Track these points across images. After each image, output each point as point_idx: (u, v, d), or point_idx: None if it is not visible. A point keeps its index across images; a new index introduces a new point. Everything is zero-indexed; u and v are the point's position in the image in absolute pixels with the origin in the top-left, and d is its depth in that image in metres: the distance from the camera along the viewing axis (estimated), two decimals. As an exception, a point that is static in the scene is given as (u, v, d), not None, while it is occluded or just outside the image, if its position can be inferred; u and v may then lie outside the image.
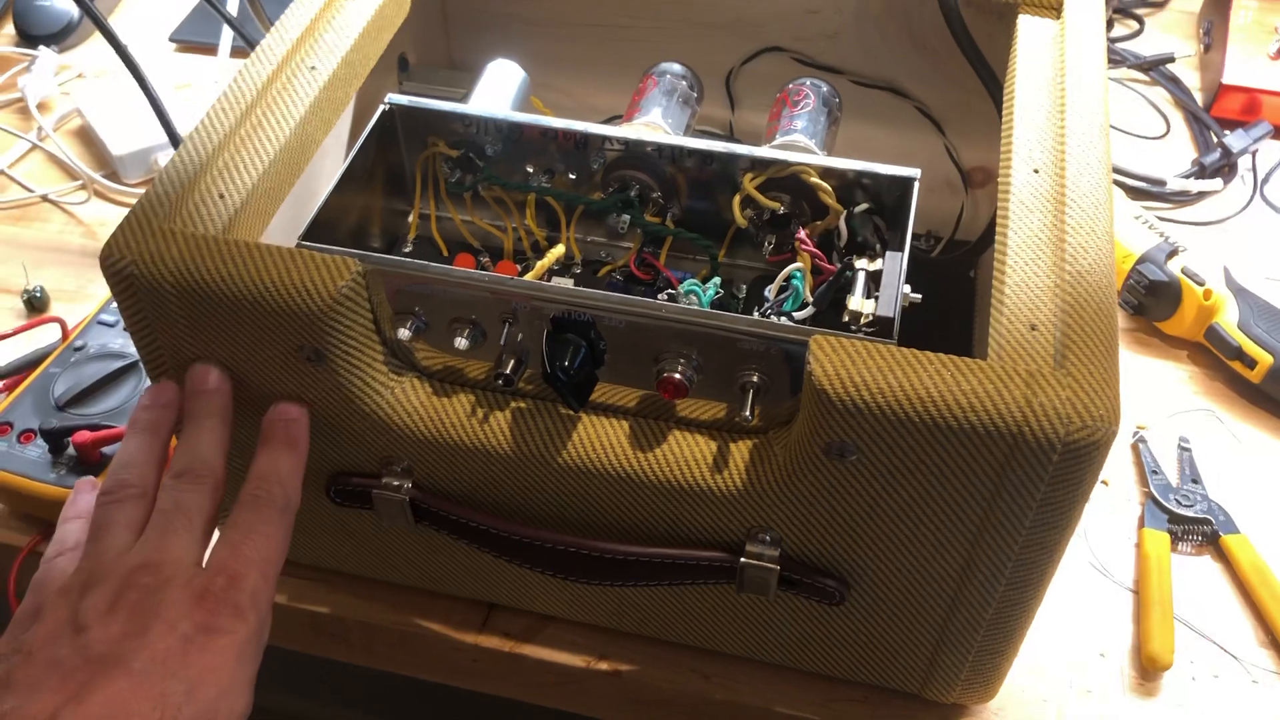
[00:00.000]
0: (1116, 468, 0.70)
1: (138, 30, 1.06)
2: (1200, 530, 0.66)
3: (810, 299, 0.51)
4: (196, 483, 0.47)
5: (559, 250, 0.53)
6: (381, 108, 0.57)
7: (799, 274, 0.51)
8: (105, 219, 0.86)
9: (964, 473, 0.44)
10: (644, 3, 0.73)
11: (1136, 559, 0.65)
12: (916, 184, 0.52)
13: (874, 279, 0.51)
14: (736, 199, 0.54)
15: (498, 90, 0.61)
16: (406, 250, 0.60)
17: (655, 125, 0.57)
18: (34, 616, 0.44)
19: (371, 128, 0.57)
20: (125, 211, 0.52)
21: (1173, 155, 0.93)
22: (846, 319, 0.49)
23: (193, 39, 1.03)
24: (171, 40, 1.04)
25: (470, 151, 0.57)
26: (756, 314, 0.50)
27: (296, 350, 0.48)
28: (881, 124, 0.74)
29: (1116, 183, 0.89)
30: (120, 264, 0.47)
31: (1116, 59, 1.02)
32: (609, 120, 0.69)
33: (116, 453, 0.49)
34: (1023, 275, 0.48)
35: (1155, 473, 0.68)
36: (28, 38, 1.02)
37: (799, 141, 0.56)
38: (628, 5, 0.73)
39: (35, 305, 0.78)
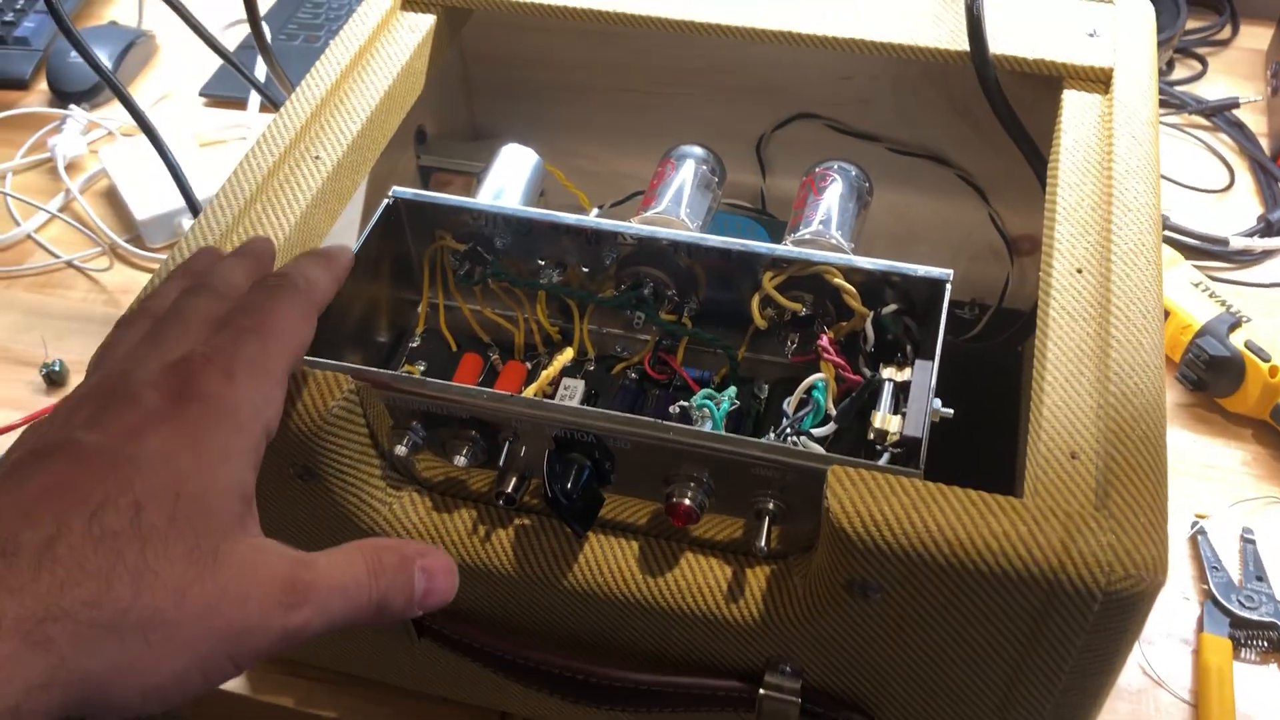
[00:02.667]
0: (1173, 565, 0.65)
1: (171, 84, 1.05)
2: (1266, 635, 0.61)
3: (833, 413, 0.47)
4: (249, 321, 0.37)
5: (566, 356, 0.50)
6: (386, 201, 0.54)
7: (821, 385, 0.47)
8: (129, 285, 0.85)
9: (997, 617, 0.41)
10: (671, 70, 0.70)
11: (1195, 667, 0.60)
12: (949, 287, 0.49)
13: (903, 389, 0.48)
14: (756, 298, 0.51)
15: (510, 176, 0.58)
16: (414, 345, 0.57)
17: (669, 217, 0.54)
18: None
19: (376, 221, 0.54)
20: (148, 278, 0.50)
21: (1237, 210, 0.88)
22: (872, 436, 0.46)
23: (223, 94, 1.02)
24: (202, 95, 1.03)
25: (478, 245, 0.54)
26: (772, 434, 0.47)
27: (287, 467, 0.46)
28: (922, 191, 0.71)
29: (1173, 242, 0.84)
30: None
31: (1176, 104, 0.97)
32: (632, 196, 0.66)
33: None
34: (1063, 394, 0.44)
35: (1216, 569, 0.64)
36: (61, 95, 1.02)
37: (823, 235, 0.53)
38: (654, 73, 0.71)
39: (54, 380, 0.77)
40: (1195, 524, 0.67)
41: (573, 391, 0.52)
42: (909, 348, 0.50)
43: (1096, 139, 0.54)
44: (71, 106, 0.98)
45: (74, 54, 1.02)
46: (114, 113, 1.01)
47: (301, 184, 0.53)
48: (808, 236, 0.52)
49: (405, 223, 0.55)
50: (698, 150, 0.60)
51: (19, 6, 1.09)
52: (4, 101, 1.02)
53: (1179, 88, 0.99)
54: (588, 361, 0.55)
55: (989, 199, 0.70)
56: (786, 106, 0.70)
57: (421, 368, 0.56)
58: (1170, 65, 1.03)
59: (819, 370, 0.49)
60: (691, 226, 0.55)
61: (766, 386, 0.54)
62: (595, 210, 0.60)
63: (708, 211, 0.58)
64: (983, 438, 0.51)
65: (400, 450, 0.47)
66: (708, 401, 0.47)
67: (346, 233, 0.60)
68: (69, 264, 0.87)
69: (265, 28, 1.05)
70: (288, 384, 0.37)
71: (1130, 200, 0.50)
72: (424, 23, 0.63)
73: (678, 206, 0.55)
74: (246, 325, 0.36)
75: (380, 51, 0.61)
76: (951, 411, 0.46)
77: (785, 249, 0.50)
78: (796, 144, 0.71)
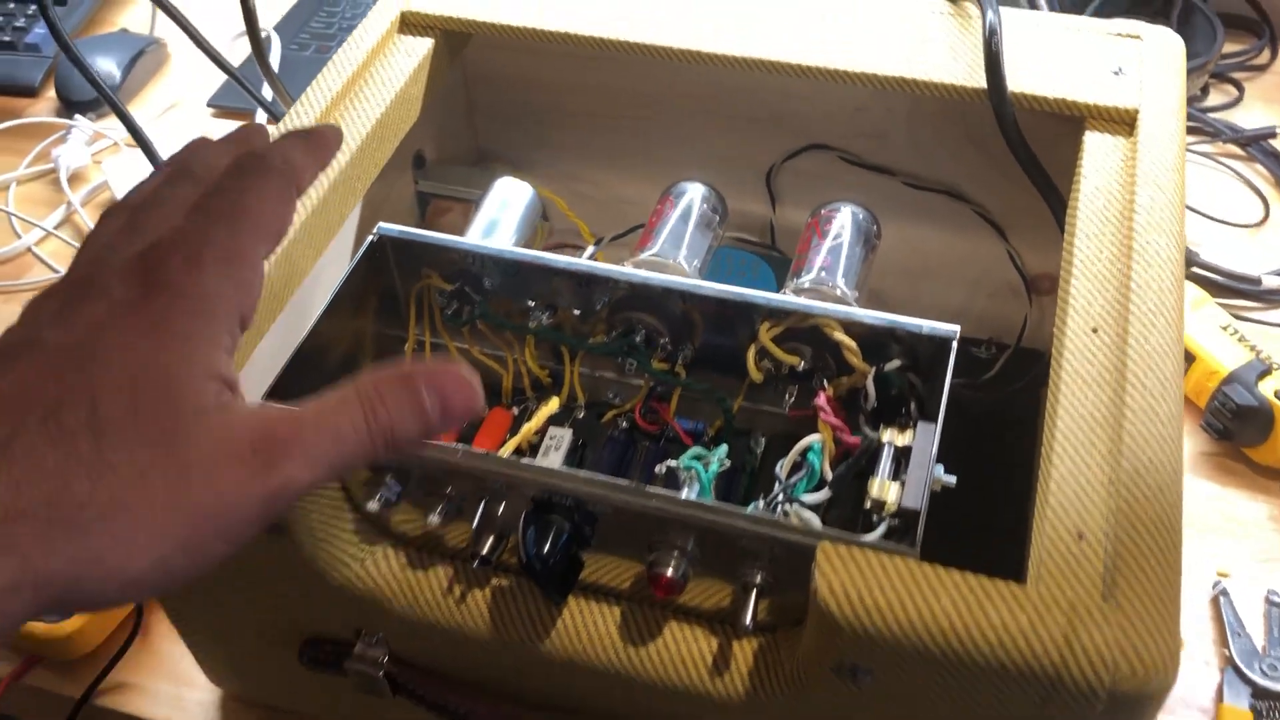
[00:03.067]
0: (1192, 626, 0.62)
1: (180, 93, 1.03)
2: (1289, 708, 0.58)
3: (829, 477, 0.45)
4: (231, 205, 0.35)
5: (550, 406, 0.48)
6: (370, 239, 0.52)
7: (816, 448, 0.45)
8: (127, 302, 0.84)
9: (994, 709, 0.38)
10: (677, 96, 0.68)
11: (1212, 740, 0.58)
12: (955, 345, 0.46)
13: (905, 454, 0.45)
14: (752, 350, 0.48)
15: (503, 211, 0.56)
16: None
17: (665, 260, 0.52)
18: None
19: (360, 257, 0.52)
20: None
21: (1271, 247, 0.84)
22: (869, 505, 0.43)
23: (231, 105, 1.01)
24: (210, 106, 1.01)
25: (466, 284, 0.52)
26: (762, 502, 0.44)
27: (255, 522, 0.44)
28: (937, 225, 0.68)
29: (1201, 280, 0.81)
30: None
31: (1210, 132, 0.94)
32: (634, 229, 0.64)
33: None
34: (1071, 467, 0.41)
35: (1238, 634, 0.61)
36: (68, 103, 1.01)
37: (825, 284, 0.50)
38: (660, 98, 0.68)
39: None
40: (1217, 583, 0.64)
41: (559, 441, 0.50)
42: (913, 405, 0.47)
43: (1118, 185, 0.51)
44: (76, 117, 0.97)
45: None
46: (116, 124, 0.99)
47: (284, 218, 0.51)
48: (808, 285, 0.50)
49: (391, 259, 0.53)
50: (699, 188, 0.57)
51: (30, 12, 1.08)
52: (12, 109, 1.01)
53: (1213, 115, 0.96)
54: (577, 408, 0.53)
55: (1007, 236, 0.67)
56: (798, 136, 0.67)
57: (405, 410, 0.54)
58: (1205, 90, 1.00)
59: (817, 427, 0.46)
60: (688, 269, 0.52)
61: (764, 440, 0.51)
62: (592, 247, 0.58)
63: (708, 250, 0.55)
64: (992, 497, 0.48)
65: (372, 506, 0.45)
66: (695, 463, 0.44)
67: (337, 263, 0.58)
68: (67, 279, 0.85)
69: (275, 38, 1.04)
70: (262, 269, 0.35)
71: (1152, 254, 0.47)
72: (421, 46, 0.61)
73: (675, 248, 0.53)
74: (216, 209, 0.34)
75: (374, 77, 0.59)
76: (954, 480, 0.44)
77: (783, 299, 0.47)
78: (808, 175, 0.69)
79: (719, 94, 0.67)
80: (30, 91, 1.03)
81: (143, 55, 1.04)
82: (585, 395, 0.53)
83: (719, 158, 0.70)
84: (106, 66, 1.02)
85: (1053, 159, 0.57)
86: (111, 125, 0.99)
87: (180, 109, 1.02)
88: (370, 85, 0.59)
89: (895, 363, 0.47)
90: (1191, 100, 1.00)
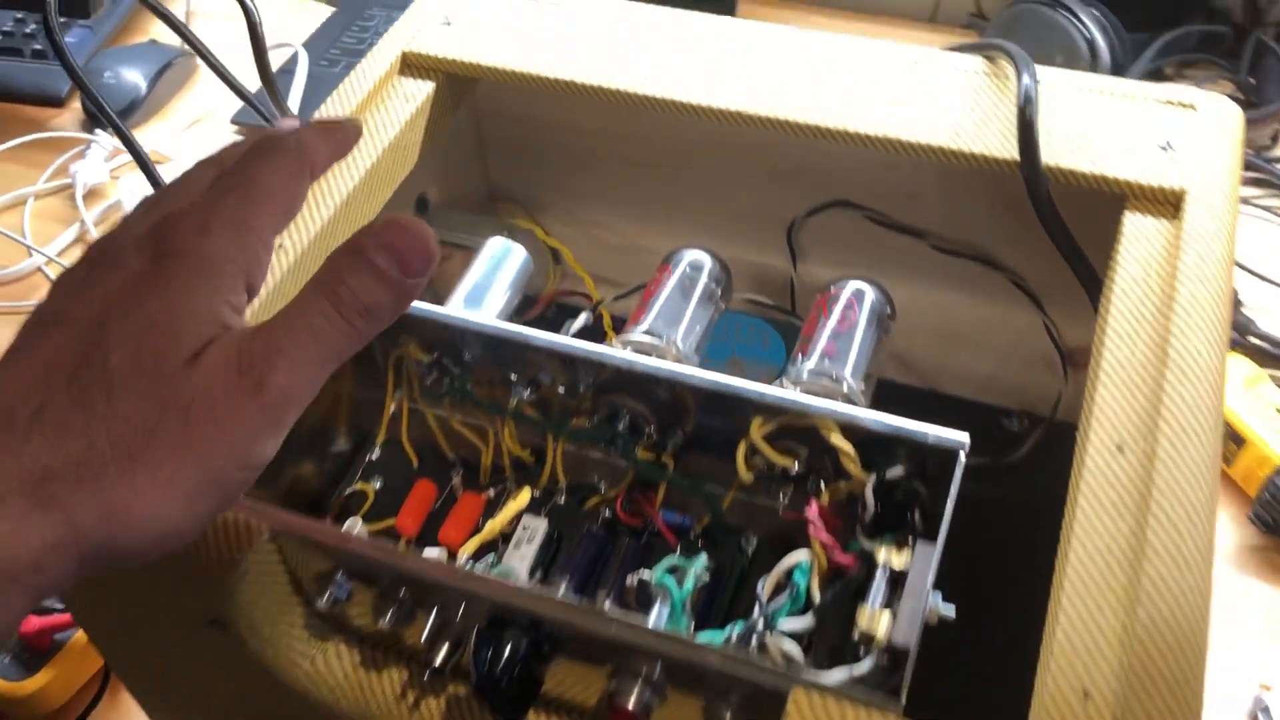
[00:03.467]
0: (1226, 745, 0.57)
1: (207, 106, 1.02)
2: (1328, 846, 0.53)
3: (816, 599, 0.41)
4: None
5: (521, 500, 0.44)
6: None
7: (804, 568, 0.41)
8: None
9: None
10: (696, 145, 0.64)
11: None
12: (963, 457, 0.42)
13: (901, 577, 0.41)
14: (743, 447, 0.44)
15: (492, 274, 0.52)
16: (374, 456, 0.52)
17: (654, 341, 0.48)
18: None
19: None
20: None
21: (1336, 315, 0.79)
22: (857, 636, 0.39)
23: (254, 123, 0.98)
24: (233, 123, 0.99)
25: (445, 356, 0.49)
26: (739, 627, 0.41)
27: (194, 615, 0.41)
28: (969, 290, 0.64)
29: (1256, 352, 0.75)
30: None
31: (1277, 184, 0.88)
32: (638, 289, 0.60)
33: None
34: (1082, 611, 0.37)
35: (1276, 758, 0.56)
36: (92, 116, 0.99)
37: (829, 375, 0.46)
38: (679, 146, 0.64)
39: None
40: (1258, 698, 0.58)
41: (532, 533, 0.46)
42: (915, 519, 0.43)
43: (1158, 277, 0.47)
44: (97, 131, 0.96)
45: (108, 73, 0.99)
46: (139, 137, 0.97)
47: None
48: (806, 375, 0.46)
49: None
50: (700, 257, 0.53)
51: (62, 21, 1.07)
52: (38, 120, 1.00)
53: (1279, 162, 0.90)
54: (559, 491, 0.49)
55: (1044, 307, 0.62)
56: (822, 192, 0.63)
57: (377, 485, 0.51)
58: (1275, 139, 0.94)
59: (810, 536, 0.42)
60: (682, 348, 0.49)
61: (755, 540, 0.47)
62: (585, 314, 0.54)
63: (710, 322, 0.52)
64: (1000, 619, 0.44)
65: (321, 604, 0.42)
66: (668, 579, 0.41)
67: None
68: (75, 301, 0.84)
69: (304, 55, 1.01)
70: (271, 243, 0.35)
71: (1189, 362, 0.43)
72: (421, 90, 0.58)
73: (669, 325, 0.49)
74: (229, 184, 0.35)
75: (370, 122, 0.56)
76: (953, 612, 0.39)
77: (778, 395, 0.43)
78: (832, 231, 0.65)
79: (741, 146, 0.63)
80: (57, 102, 1.02)
81: (170, 67, 1.02)
82: (568, 477, 0.49)
83: (739, 210, 0.66)
84: (132, 78, 1.00)
85: (1091, 234, 0.52)
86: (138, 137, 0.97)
87: (204, 124, 1.00)
88: (366, 130, 0.56)
89: (898, 470, 0.43)
90: (1260, 150, 0.94)
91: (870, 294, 0.50)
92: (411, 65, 0.59)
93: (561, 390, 0.48)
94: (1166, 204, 0.49)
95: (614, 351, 0.45)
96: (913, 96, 0.54)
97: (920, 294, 0.65)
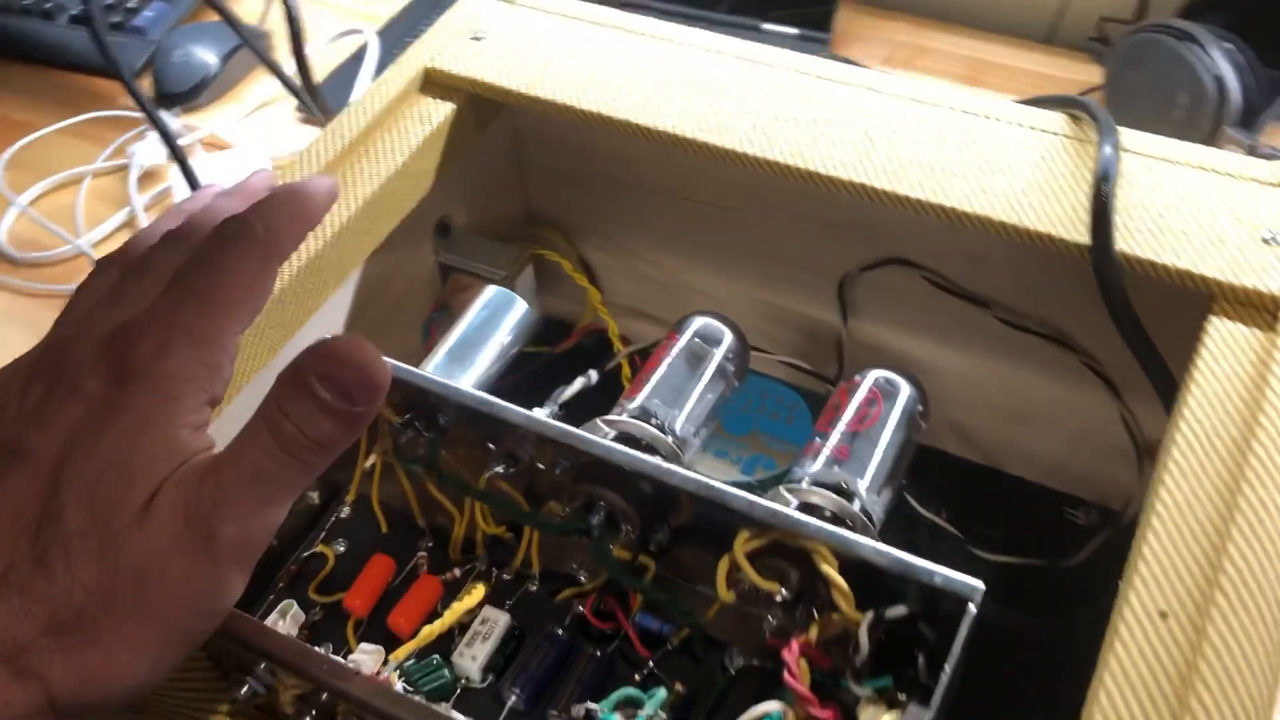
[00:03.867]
0: None
1: (276, 90, 0.99)
2: None
3: (785, 759, 0.35)
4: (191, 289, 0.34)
5: (474, 598, 0.40)
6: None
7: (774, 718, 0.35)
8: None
9: None
10: (746, 186, 0.58)
11: None
12: (973, 607, 0.35)
13: (885, 741, 0.35)
14: (724, 563, 0.39)
15: (483, 330, 0.48)
16: (342, 514, 0.48)
17: (643, 425, 0.43)
18: None
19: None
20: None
21: None
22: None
23: (314, 114, 0.95)
24: (298, 110, 0.96)
25: (418, 419, 0.44)
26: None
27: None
28: (1039, 369, 0.57)
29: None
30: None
31: None
32: (642, 340, 0.55)
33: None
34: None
35: None
36: (163, 96, 0.97)
37: (838, 486, 0.40)
38: (727, 185, 0.59)
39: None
40: None
41: (490, 628, 0.42)
42: (918, 668, 0.37)
43: (1240, 400, 0.39)
44: (161, 112, 0.93)
45: (178, 51, 0.98)
46: (205, 120, 0.95)
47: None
48: (808, 483, 0.40)
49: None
50: (714, 327, 0.48)
51: (145, -7, 1.06)
52: (107, 95, 0.99)
53: None
54: (531, 578, 0.44)
55: (1122, 394, 0.55)
56: (879, 247, 0.57)
57: (340, 549, 0.47)
58: None
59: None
60: (678, 431, 0.43)
61: (740, 661, 0.42)
62: (580, 380, 0.49)
63: (719, 398, 0.46)
64: None
65: (239, 695, 0.38)
66: (611, 718, 0.35)
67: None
68: (115, 288, 0.82)
69: (375, 43, 0.98)
70: (234, 348, 0.34)
71: (1262, 517, 0.36)
72: (440, 112, 0.53)
73: (668, 405, 0.44)
74: (190, 288, 0.34)
75: (381, 143, 0.52)
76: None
77: (767, 508, 0.37)
78: (887, 290, 0.58)
79: (795, 191, 0.57)
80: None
81: (242, 48, 1.00)
82: (544, 562, 0.44)
83: (789, 256, 0.60)
84: (204, 57, 0.98)
85: (1171, 329, 0.45)
86: (197, 120, 0.95)
87: (270, 108, 0.97)
88: (374, 154, 0.51)
89: (899, 610, 0.37)
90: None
91: (900, 388, 0.44)
92: (434, 83, 0.55)
93: (541, 467, 0.43)
94: (1262, 310, 0.42)
95: (590, 436, 0.40)
96: (979, 158, 0.48)
97: (984, 366, 0.58)
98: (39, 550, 0.30)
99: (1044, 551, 0.55)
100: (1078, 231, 0.44)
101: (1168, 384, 0.45)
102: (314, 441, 0.31)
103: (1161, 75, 0.85)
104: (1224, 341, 0.41)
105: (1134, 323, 0.45)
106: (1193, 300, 0.44)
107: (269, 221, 0.35)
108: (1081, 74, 0.96)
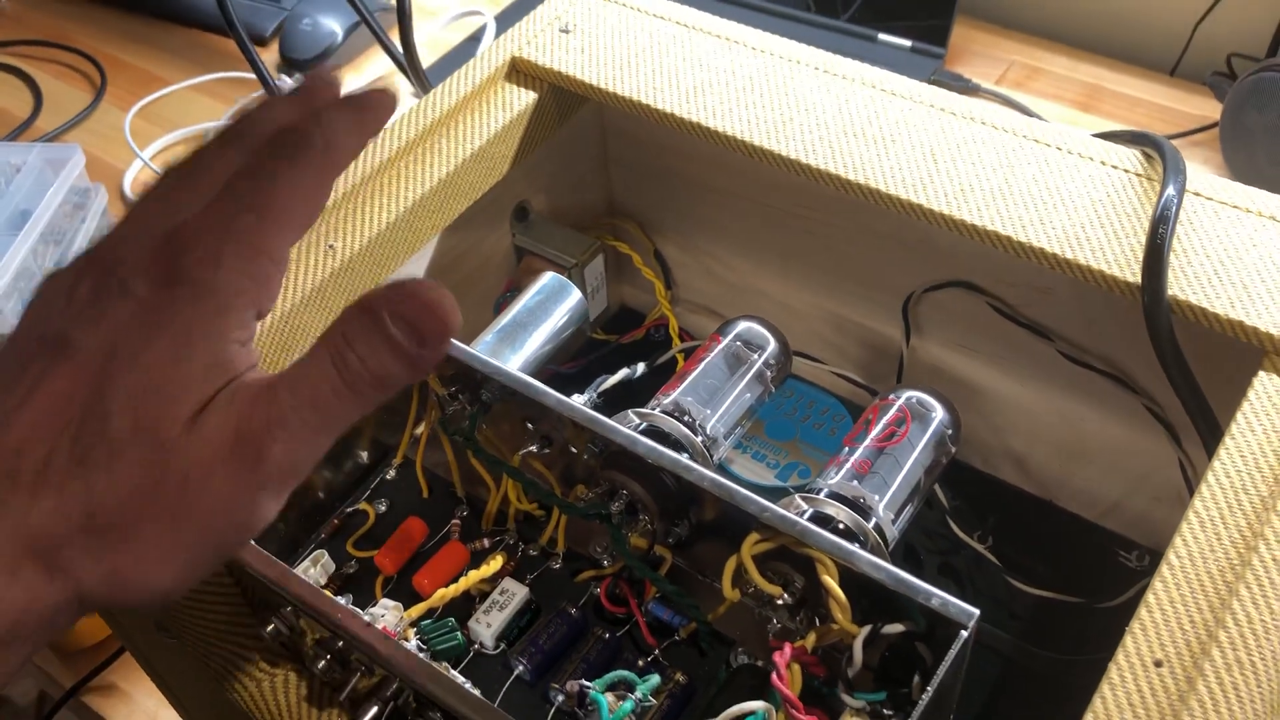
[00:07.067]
0: None
1: (388, 66, 1.03)
2: None
3: (764, 761, 0.36)
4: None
5: (492, 566, 0.42)
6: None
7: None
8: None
9: None
10: (818, 197, 0.58)
11: None
12: (966, 637, 0.36)
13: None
14: (732, 563, 0.40)
15: (538, 313, 0.49)
16: (389, 475, 0.50)
17: (676, 419, 0.44)
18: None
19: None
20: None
21: None
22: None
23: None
24: (412, 86, 1.00)
25: (461, 392, 0.46)
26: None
27: (146, 618, 0.41)
28: (1098, 407, 0.56)
29: None
30: None
31: None
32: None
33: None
34: None
35: None
36: (290, 63, 1.02)
37: (855, 501, 0.41)
38: (800, 195, 0.59)
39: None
40: None
41: (507, 599, 0.43)
42: (913, 685, 0.37)
43: (1275, 459, 0.39)
44: (282, 76, 0.98)
45: (306, 20, 1.02)
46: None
47: (304, 277, 0.47)
48: (826, 492, 0.41)
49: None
50: (757, 332, 0.48)
51: (282, -39, 1.10)
52: (238, 55, 1.03)
53: None
54: (555, 556, 0.46)
55: (1180, 440, 0.54)
56: (946, 268, 0.57)
57: (382, 508, 0.49)
58: None
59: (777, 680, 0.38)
60: (708, 430, 0.44)
61: (744, 658, 0.43)
62: (624, 370, 0.50)
63: (755, 402, 0.47)
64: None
65: (265, 634, 0.40)
66: (601, 699, 0.37)
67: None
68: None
69: (492, 26, 1.01)
70: (285, 260, 0.34)
71: (1274, 577, 0.35)
72: (522, 100, 0.55)
73: (702, 404, 0.45)
74: (245, 200, 0.33)
75: (464, 125, 0.54)
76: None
77: (777, 513, 0.38)
78: (951, 312, 0.58)
79: (863, 207, 0.57)
80: (260, 41, 1.05)
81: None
82: (570, 543, 0.46)
83: (858, 270, 0.60)
84: (330, 26, 1.02)
85: (1224, 378, 0.44)
86: (317, 89, 0.99)
87: (386, 82, 1.01)
88: (454, 135, 0.54)
89: (896, 627, 0.37)
90: None
91: (933, 410, 0.44)
92: (519, 72, 0.56)
93: (574, 450, 0.45)
94: (1313, 369, 0.41)
95: (617, 425, 0.41)
96: (1044, 189, 0.47)
97: (1044, 398, 0.58)
98: (81, 450, 0.30)
99: (1086, 590, 0.54)
100: (1131, 272, 0.44)
101: (1214, 432, 0.44)
102: (375, 376, 0.31)
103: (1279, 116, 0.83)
104: (1269, 397, 0.41)
105: (1182, 368, 0.44)
106: (1246, 351, 0.43)
107: (328, 133, 0.34)
108: (1201, 109, 0.94)
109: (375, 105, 0.36)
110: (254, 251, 0.32)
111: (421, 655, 0.37)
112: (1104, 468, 0.58)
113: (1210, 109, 0.93)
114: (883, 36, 1.02)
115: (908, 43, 1.00)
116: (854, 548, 0.37)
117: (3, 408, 0.30)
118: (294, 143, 0.33)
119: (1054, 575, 0.55)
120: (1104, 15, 1.02)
